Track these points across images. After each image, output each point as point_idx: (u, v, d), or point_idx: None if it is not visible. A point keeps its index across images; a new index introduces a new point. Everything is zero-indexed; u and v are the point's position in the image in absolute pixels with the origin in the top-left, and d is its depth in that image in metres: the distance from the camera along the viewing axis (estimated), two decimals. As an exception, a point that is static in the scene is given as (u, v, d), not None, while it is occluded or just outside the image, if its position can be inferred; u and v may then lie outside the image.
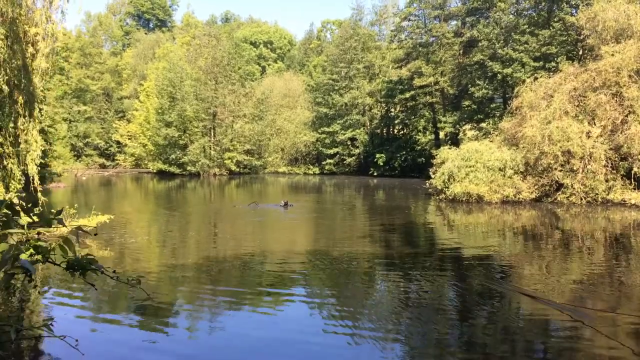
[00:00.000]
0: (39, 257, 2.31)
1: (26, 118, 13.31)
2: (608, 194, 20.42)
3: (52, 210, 2.81)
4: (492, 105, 37.52)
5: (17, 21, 13.21)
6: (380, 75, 51.67)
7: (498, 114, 35.37)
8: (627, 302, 7.55)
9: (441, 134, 44.50)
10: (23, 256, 2.26)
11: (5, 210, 2.57)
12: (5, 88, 12.78)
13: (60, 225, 2.64)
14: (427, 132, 46.51)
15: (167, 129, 49.10)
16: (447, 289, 8.43)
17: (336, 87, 52.16)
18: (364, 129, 51.79)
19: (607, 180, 20.62)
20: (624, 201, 19.91)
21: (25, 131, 13.32)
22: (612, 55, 21.84)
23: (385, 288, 8.54)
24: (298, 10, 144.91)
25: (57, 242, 2.36)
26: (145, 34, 79.00)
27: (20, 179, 13.02)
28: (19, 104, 13.14)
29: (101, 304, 7.60)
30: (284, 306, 7.50)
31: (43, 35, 13.52)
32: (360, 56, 52.00)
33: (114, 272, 2.42)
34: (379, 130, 52.22)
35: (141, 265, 10.34)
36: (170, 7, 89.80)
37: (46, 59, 13.94)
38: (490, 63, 34.59)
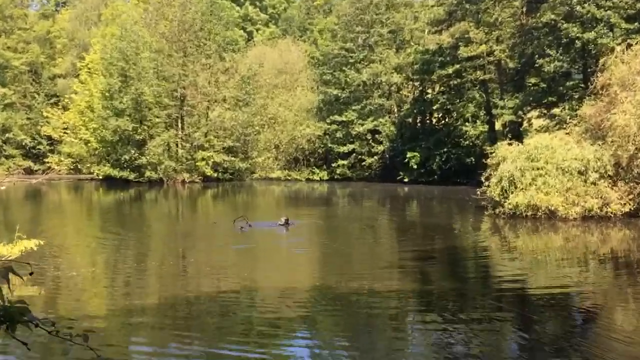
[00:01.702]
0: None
1: None
2: None
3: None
4: (568, 84, 37.37)
5: None
6: (412, 43, 51.69)
7: (577, 96, 35.21)
8: None
9: (497, 124, 44.28)
10: None
11: None
12: None
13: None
14: (478, 122, 46.30)
15: (118, 119, 49.35)
16: (507, 342, 8.41)
17: (351, 60, 52.17)
18: (389, 117, 51.76)
19: None
20: None
21: None
22: None
23: (419, 339, 8.53)
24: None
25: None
26: (88, -12, 79.74)
27: None
28: None
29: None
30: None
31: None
32: (384, 17, 52.12)
33: (53, 324, 2.43)
34: (410, 120, 52.04)
35: (85, 308, 10.41)
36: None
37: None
38: (566, 25, 34.51)
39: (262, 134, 55.33)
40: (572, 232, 19.23)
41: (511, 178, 22.89)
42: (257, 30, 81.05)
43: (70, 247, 17.67)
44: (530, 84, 41.61)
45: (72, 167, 64.94)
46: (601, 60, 27.11)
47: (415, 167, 46.64)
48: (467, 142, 46.01)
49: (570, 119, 28.36)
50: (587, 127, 24.47)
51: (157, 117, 50.27)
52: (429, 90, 50.91)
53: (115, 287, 12.21)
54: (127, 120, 49.29)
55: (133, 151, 49.78)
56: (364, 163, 52.32)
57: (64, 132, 64.45)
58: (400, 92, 53.51)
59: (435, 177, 45.73)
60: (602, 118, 23.55)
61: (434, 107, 48.67)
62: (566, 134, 24.82)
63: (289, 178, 55.14)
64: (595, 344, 8.14)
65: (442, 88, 48.45)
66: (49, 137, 67.19)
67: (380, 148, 51.26)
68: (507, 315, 9.83)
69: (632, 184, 21.64)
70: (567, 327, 8.94)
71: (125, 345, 8.42)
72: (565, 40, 35.28)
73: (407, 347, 8.37)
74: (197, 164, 50.71)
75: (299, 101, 56.65)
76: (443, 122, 51.21)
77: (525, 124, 43.01)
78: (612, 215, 21.40)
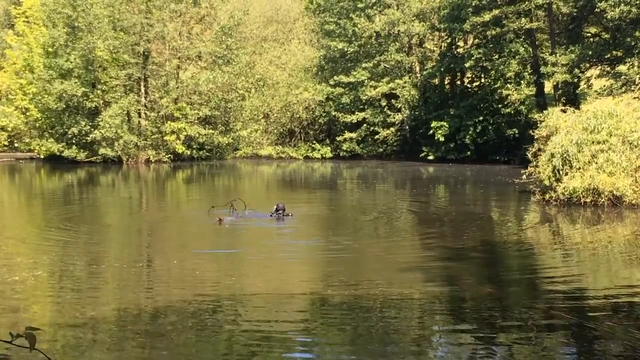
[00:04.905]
0: None
1: None
2: None
3: None
4: (637, 34, 37.21)
5: None
6: (439, -18, 51.38)
7: (649, 49, 35.14)
8: None
9: (547, 86, 44.13)
10: None
11: None
12: None
13: None
14: (523, 83, 46.19)
15: (64, 81, 49.15)
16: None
17: (360, 5, 51.93)
18: (410, 78, 51.59)
19: None
20: None
21: None
22: None
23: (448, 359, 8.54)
24: None
25: None
26: None
27: None
28: None
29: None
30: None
31: None
32: (402, -52, 51.76)
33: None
34: (436, 81, 51.89)
35: (26, 321, 10.36)
36: None
37: None
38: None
39: (248, 100, 55.18)
40: (644, 224, 19.26)
41: (565, 155, 22.83)
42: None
43: (7, 246, 17.64)
44: (589, 35, 41.37)
45: (6, 144, 64.85)
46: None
47: (442, 141, 46.58)
48: (509, 109, 45.93)
49: (640, 78, 28.28)
50: (663, 89, 24.41)
51: (114, 78, 50.03)
52: (460, 44, 50.60)
53: (64, 295, 12.18)
54: (75, 82, 49.05)
55: (83, 122, 49.63)
56: (377, 136, 52.27)
57: (-4, 99, 64.29)
58: (424, 46, 53.31)
59: (468, 153, 45.76)
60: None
61: (467, 65, 48.28)
62: (635, 97, 24.67)
63: (283, 156, 55.14)
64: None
65: (476, 40, 48.24)
66: (-24, 106, 67.03)
67: (398, 117, 51.17)
68: (560, 327, 9.82)
69: None
70: (635, 342, 8.92)
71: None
72: (634, -23, 35.06)
73: (432, 368, 8.39)
74: (165, 138, 50.60)
75: (294, 58, 56.42)
76: (478, 83, 51.06)
77: (582, 85, 42.83)
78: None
